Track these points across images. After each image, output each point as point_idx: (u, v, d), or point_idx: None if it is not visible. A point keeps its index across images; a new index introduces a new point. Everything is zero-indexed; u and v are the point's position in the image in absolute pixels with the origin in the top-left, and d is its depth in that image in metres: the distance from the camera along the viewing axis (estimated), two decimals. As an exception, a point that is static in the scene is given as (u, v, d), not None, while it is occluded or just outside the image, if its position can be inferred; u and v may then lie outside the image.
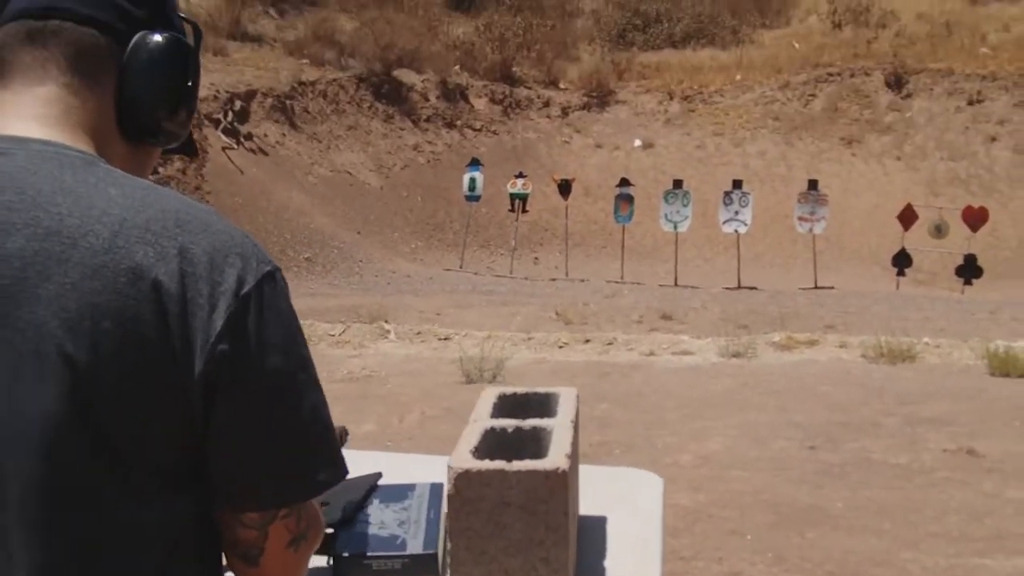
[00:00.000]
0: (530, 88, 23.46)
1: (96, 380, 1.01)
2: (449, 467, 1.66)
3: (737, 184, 17.16)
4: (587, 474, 2.12)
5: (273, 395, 1.08)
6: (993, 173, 19.93)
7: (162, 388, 1.03)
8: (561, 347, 10.19)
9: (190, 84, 1.23)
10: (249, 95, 18.20)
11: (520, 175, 18.31)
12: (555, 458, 1.69)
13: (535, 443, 1.83)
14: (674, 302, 13.05)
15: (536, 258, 18.62)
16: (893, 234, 16.65)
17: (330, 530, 1.78)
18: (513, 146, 21.87)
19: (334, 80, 20.99)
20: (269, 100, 18.71)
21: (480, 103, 22.72)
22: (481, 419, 1.92)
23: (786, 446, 6.60)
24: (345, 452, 1.21)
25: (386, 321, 10.81)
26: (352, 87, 21.19)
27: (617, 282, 15.98)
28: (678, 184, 17.31)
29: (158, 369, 1.02)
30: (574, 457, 1.82)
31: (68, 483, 1.02)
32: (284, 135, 18.55)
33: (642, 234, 18.19)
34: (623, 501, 2.18)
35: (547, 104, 23.12)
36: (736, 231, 16.73)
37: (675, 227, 16.90)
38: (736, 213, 16.77)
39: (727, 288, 15.42)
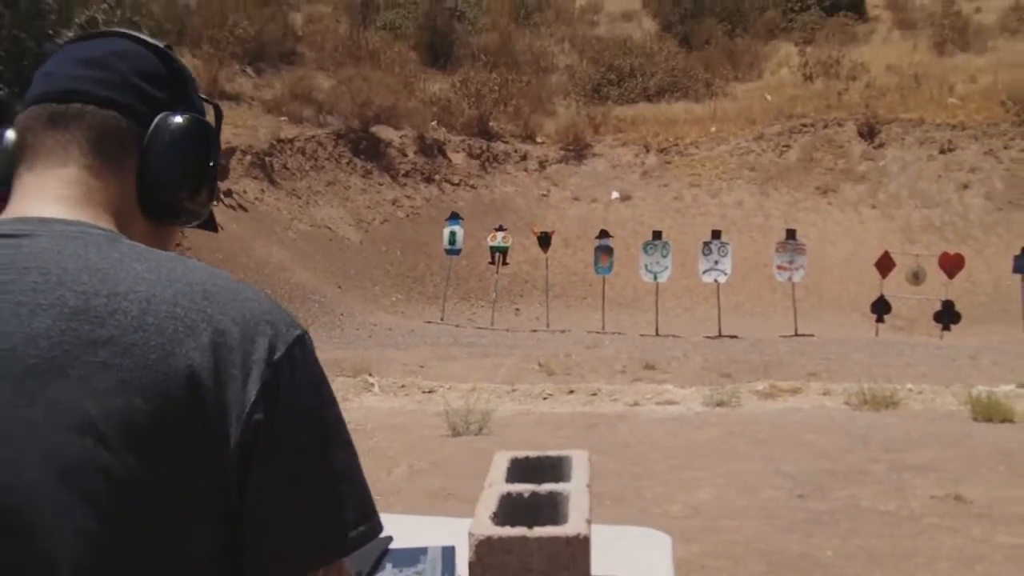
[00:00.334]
0: (507, 142, 23.66)
1: (129, 459, 1.00)
2: (471, 534, 1.67)
3: (716, 234, 17.31)
4: (594, 533, 2.13)
5: (307, 457, 1.08)
6: (967, 220, 20.21)
7: (198, 462, 1.02)
8: (546, 398, 10.20)
9: (211, 165, 1.25)
10: (228, 152, 18.27)
11: (500, 228, 18.41)
12: (576, 524, 1.71)
13: (552, 508, 1.84)
14: (656, 352, 13.10)
15: (517, 309, 18.66)
16: (871, 281, 16.81)
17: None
18: (491, 200, 22.00)
19: (312, 137, 21.12)
20: (248, 157, 18.79)
21: (458, 158, 22.88)
22: (496, 484, 1.93)
23: (775, 495, 6.60)
24: None
25: (370, 374, 10.79)
26: (330, 143, 21.32)
27: (599, 332, 16.02)
28: (657, 235, 17.44)
29: (193, 443, 1.02)
30: (591, 521, 1.84)
31: (109, 560, 1.02)
32: (263, 191, 18.61)
33: (622, 285, 18.28)
34: (634, 561, 2.20)
35: (524, 158, 23.31)
36: (716, 280, 16.85)
37: (655, 277, 17.00)
38: (716, 263, 16.89)
39: (708, 337, 15.49)
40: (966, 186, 20.95)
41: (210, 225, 1.36)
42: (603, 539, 2.21)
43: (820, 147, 22.49)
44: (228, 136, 18.75)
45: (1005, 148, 21.52)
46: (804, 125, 23.05)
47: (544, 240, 18.05)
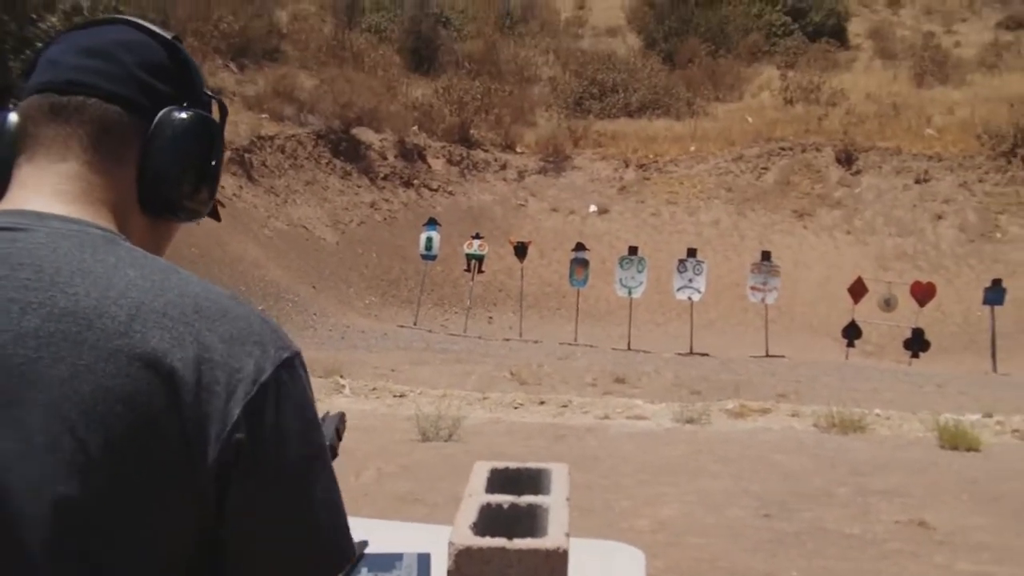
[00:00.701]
0: (487, 151, 23.69)
1: (107, 464, 0.99)
2: (450, 543, 1.67)
3: (691, 252, 17.40)
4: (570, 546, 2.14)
5: (288, 484, 1.07)
6: (939, 250, 20.42)
7: (174, 474, 1.01)
8: (516, 408, 10.20)
9: (214, 163, 1.23)
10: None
11: (477, 236, 18.41)
12: (555, 537, 1.71)
13: (531, 520, 1.85)
14: (628, 366, 13.13)
15: (490, 318, 18.67)
16: (843, 306, 16.94)
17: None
18: (469, 207, 22.01)
19: (293, 136, 21.06)
20: (227, 153, 18.68)
21: (437, 163, 22.89)
22: (476, 494, 1.93)
23: (741, 514, 6.63)
24: None
25: (341, 376, 10.75)
26: (310, 143, 21.27)
27: (571, 344, 16.05)
28: (633, 250, 17.51)
29: (169, 456, 1.01)
30: (570, 535, 1.84)
31: (82, 568, 0.99)
32: (241, 187, 18.53)
33: (596, 298, 18.33)
34: (607, 575, 2.20)
35: (504, 167, 23.35)
36: (690, 298, 16.92)
37: (629, 292, 17.05)
38: (690, 280, 16.98)
39: (680, 354, 15.55)
40: (940, 217, 21.18)
41: (213, 213, 1.34)
42: (576, 552, 2.21)
43: (798, 171, 22.66)
44: (208, 131, 18.65)
45: (980, 181, 21.77)
46: (783, 148, 23.22)
47: (520, 250, 18.07)
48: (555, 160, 23.55)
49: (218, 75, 22.39)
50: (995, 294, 16.46)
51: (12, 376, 0.99)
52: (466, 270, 18.16)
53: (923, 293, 16.56)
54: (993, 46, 33.35)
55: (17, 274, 1.03)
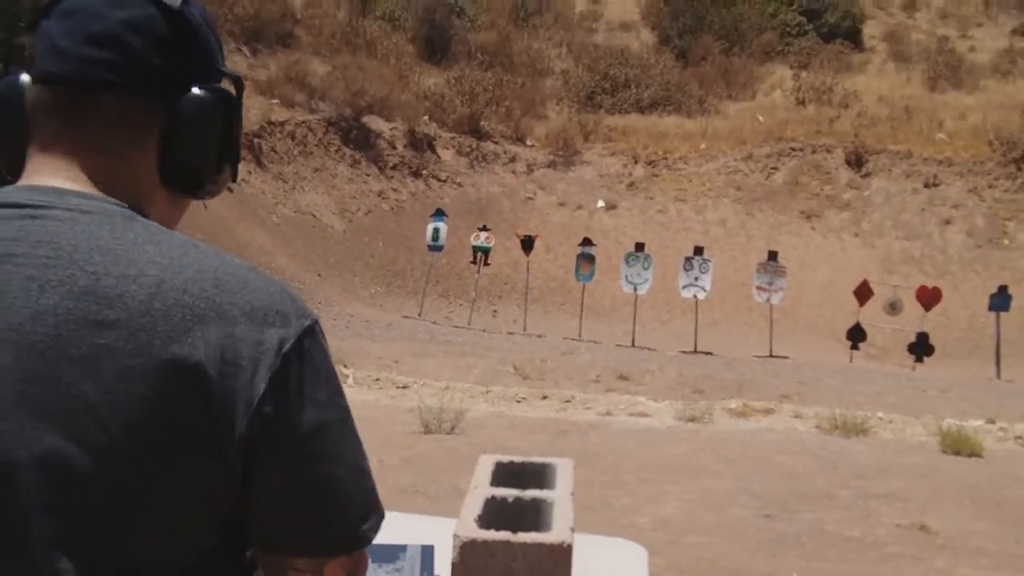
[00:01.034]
0: (497, 143, 23.66)
1: (128, 444, 0.99)
2: (455, 535, 1.68)
3: (698, 250, 17.37)
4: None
5: (316, 450, 1.07)
6: (946, 255, 20.38)
7: (199, 452, 1.02)
8: (519, 402, 10.21)
9: (234, 141, 1.21)
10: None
11: (483, 228, 18.40)
12: (560, 532, 1.71)
13: (535, 514, 1.85)
14: (631, 363, 13.12)
15: (495, 311, 18.66)
16: (848, 308, 16.91)
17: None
18: (477, 199, 22.00)
19: (303, 122, 21.05)
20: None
21: (447, 154, 22.87)
22: (481, 487, 1.94)
23: (742, 514, 6.63)
24: None
25: (345, 366, 10.76)
26: (321, 130, 21.25)
27: (575, 340, 16.04)
28: (640, 247, 17.48)
29: (195, 433, 1.01)
30: (574, 530, 1.84)
31: (101, 547, 1.00)
32: (250, 173, 18.52)
33: (601, 293, 18.32)
34: (611, 571, 2.20)
35: (513, 160, 23.32)
36: (695, 296, 16.90)
37: (635, 289, 17.04)
38: (696, 279, 16.95)
39: (684, 352, 15.54)
40: (948, 222, 21.13)
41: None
42: (581, 547, 2.21)
43: (807, 172, 22.61)
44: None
45: (989, 187, 21.71)
46: (793, 149, 23.16)
47: (527, 243, 18.05)
48: (564, 154, 23.53)
49: (231, 59, 22.34)
50: (1001, 300, 16.42)
51: (32, 354, 1.00)
52: (472, 262, 18.15)
53: (929, 297, 16.53)
54: (1008, 52, 33.23)
55: (36, 251, 1.03)
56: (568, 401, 10.20)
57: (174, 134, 1.16)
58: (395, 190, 21.37)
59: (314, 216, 19.28)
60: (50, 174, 1.12)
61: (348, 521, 1.11)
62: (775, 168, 22.75)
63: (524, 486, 1.98)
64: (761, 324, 16.88)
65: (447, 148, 22.96)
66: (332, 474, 1.09)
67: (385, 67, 24.60)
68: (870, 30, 37.44)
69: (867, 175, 22.38)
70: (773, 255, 17.24)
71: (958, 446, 8.63)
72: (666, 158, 23.31)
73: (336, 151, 21.20)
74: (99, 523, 1.00)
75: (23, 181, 1.14)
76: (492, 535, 1.68)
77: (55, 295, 1.01)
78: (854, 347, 16.25)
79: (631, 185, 22.77)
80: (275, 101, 21.06)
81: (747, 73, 29.49)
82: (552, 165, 23.31)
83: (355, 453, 1.12)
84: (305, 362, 1.06)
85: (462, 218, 19.68)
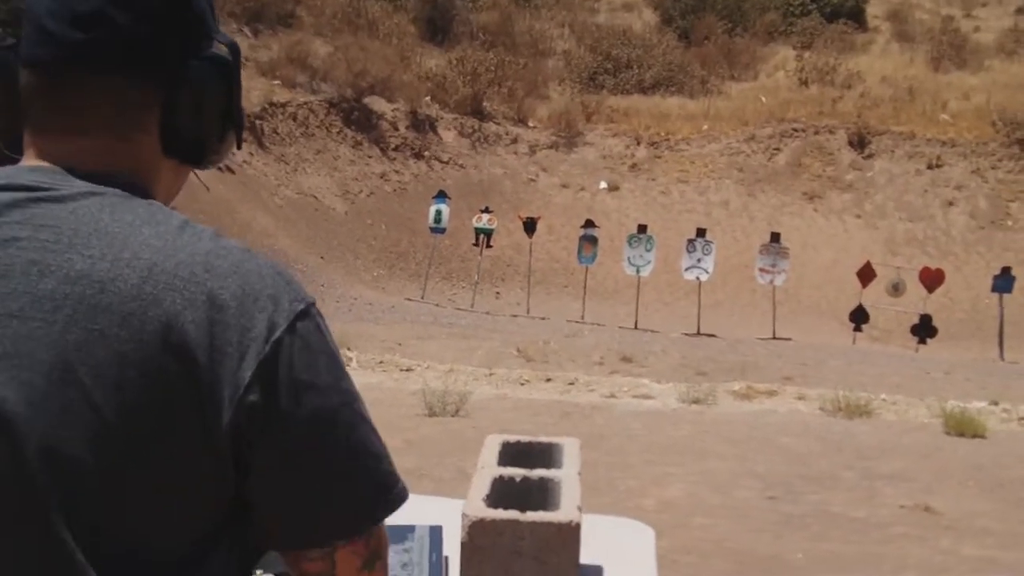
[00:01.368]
0: (499, 124, 23.60)
1: (121, 430, 0.98)
2: (464, 515, 1.67)
3: (701, 232, 17.34)
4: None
5: (314, 436, 1.05)
6: (950, 236, 20.34)
7: (190, 440, 1.00)
8: (523, 384, 10.22)
9: (235, 107, 1.19)
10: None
11: (486, 210, 18.36)
12: (567, 511, 1.71)
13: (542, 493, 1.84)
14: (634, 345, 13.13)
15: (498, 293, 18.66)
16: (851, 290, 16.90)
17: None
18: (479, 180, 21.96)
19: (305, 103, 20.99)
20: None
21: (449, 135, 22.82)
22: (488, 467, 1.93)
23: (747, 495, 6.64)
24: None
25: (348, 349, 10.76)
26: (322, 111, 21.20)
27: (578, 322, 16.04)
28: (642, 229, 17.45)
29: (185, 421, 1.00)
30: (581, 509, 1.83)
31: (97, 533, 0.99)
32: (252, 155, 18.49)
33: (604, 275, 18.30)
34: (618, 551, 2.20)
35: (515, 141, 23.27)
36: (698, 278, 16.89)
37: (638, 271, 17.02)
38: (698, 261, 16.93)
39: (686, 334, 15.54)
40: (951, 203, 21.09)
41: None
42: (588, 527, 2.21)
43: (810, 153, 22.55)
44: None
45: (992, 168, 21.66)
46: (796, 130, 23.10)
47: (529, 225, 18.02)
48: (567, 135, 23.47)
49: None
50: (1004, 282, 16.40)
51: (30, 339, 0.99)
52: (474, 244, 18.14)
53: (932, 279, 16.51)
54: (1013, 32, 33.05)
55: (38, 235, 1.03)
56: (572, 383, 10.20)
57: (174, 107, 1.13)
58: (397, 172, 21.34)
59: (316, 198, 19.26)
60: (52, 155, 1.10)
61: (355, 499, 1.09)
62: (778, 149, 22.70)
63: (531, 466, 1.98)
64: (764, 306, 16.87)
65: (449, 129, 22.91)
66: (334, 461, 1.07)
67: (387, 48, 24.50)
68: (873, 10, 37.24)
69: (870, 156, 22.33)
70: (776, 236, 17.21)
71: (962, 427, 8.64)
72: (668, 139, 23.26)
73: (338, 132, 21.15)
74: (95, 509, 0.99)
75: (25, 162, 1.12)
76: (500, 514, 1.68)
77: (53, 280, 1.00)
78: (857, 329, 16.25)
79: (633, 166, 22.73)
80: (276, 82, 21.00)
81: (750, 53, 29.37)
82: (554, 146, 23.26)
83: (362, 437, 1.10)
84: (298, 348, 1.04)
85: (464, 200, 19.65)
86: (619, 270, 17.61)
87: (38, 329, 0.99)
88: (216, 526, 1.06)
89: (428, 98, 23.39)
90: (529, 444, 2.10)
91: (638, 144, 23.26)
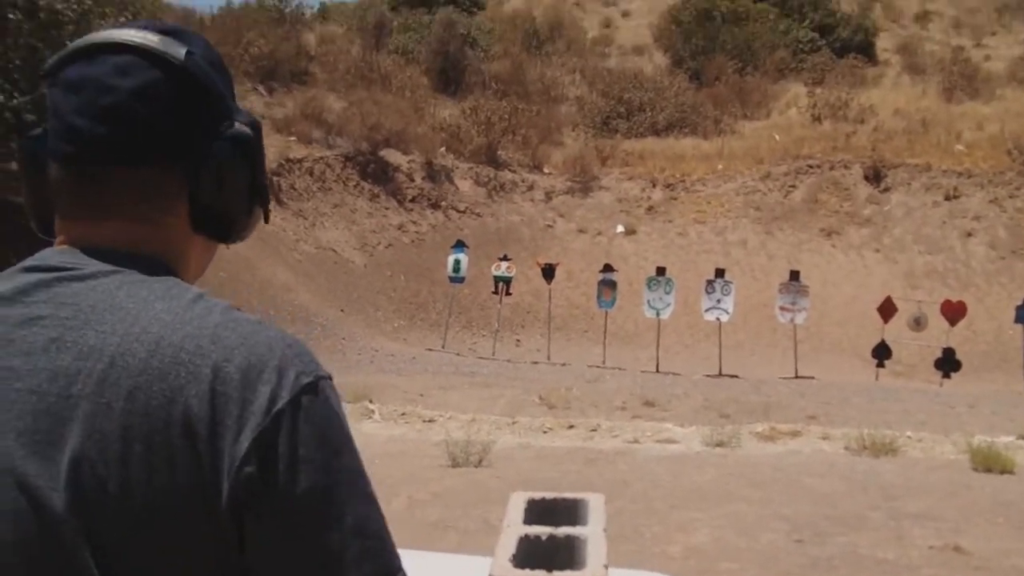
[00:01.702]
0: (514, 171, 23.75)
1: (125, 503, 1.01)
2: (491, 575, 1.70)
3: (719, 273, 17.34)
4: None
5: (312, 513, 1.04)
6: (970, 268, 20.26)
7: (193, 514, 1.02)
8: (546, 432, 10.20)
9: (259, 182, 1.22)
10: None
11: (504, 258, 18.44)
12: (594, 570, 1.73)
13: (568, 551, 1.87)
14: (656, 389, 13.10)
15: (518, 340, 18.67)
16: (872, 325, 16.82)
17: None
18: (497, 228, 22.07)
19: (321, 158, 21.21)
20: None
21: (465, 185, 22.97)
22: (514, 525, 1.96)
23: (774, 539, 6.60)
24: None
25: (370, 401, 10.79)
26: (339, 165, 21.41)
27: (599, 367, 16.02)
28: (661, 271, 17.48)
29: (188, 495, 1.01)
30: (608, 567, 1.86)
31: None
32: (270, 211, 18.58)
33: (624, 319, 18.30)
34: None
35: (531, 188, 23.40)
36: (718, 319, 16.86)
37: (657, 314, 17.02)
38: (718, 301, 16.92)
39: (708, 376, 15.50)
40: (970, 234, 21.02)
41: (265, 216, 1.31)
42: (613, 583, 2.23)
43: (826, 189, 22.57)
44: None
45: (1010, 197, 21.61)
46: (811, 166, 23.14)
47: (548, 272, 18.08)
48: (582, 180, 23.59)
49: (247, 98, 22.60)
50: (1027, 312, 16.31)
51: (48, 414, 1.03)
52: (494, 292, 18.19)
53: (954, 312, 16.43)
54: (1023, 60, 33.14)
55: (59, 313, 1.07)
56: (595, 430, 10.18)
57: (200, 188, 1.16)
58: (415, 222, 21.47)
59: (335, 251, 19.39)
60: (81, 239, 1.14)
61: None
62: (793, 186, 22.73)
63: (556, 523, 2.00)
64: (785, 344, 16.81)
65: (465, 179, 23.07)
66: (331, 540, 1.05)
67: (400, 100, 24.78)
68: (883, 43, 37.43)
69: (886, 190, 22.33)
70: (795, 274, 17.19)
71: (989, 463, 8.56)
72: (684, 180, 23.34)
73: (355, 186, 21.34)
74: (103, 573, 1.02)
75: (56, 245, 1.16)
76: (527, 575, 1.71)
77: (69, 355, 1.04)
78: (880, 365, 16.15)
79: (650, 209, 22.80)
80: (292, 138, 21.24)
81: (761, 92, 29.52)
82: (570, 192, 23.37)
83: (361, 516, 1.07)
84: (301, 421, 1.03)
85: (482, 248, 19.74)
86: (639, 313, 17.60)
87: (55, 404, 1.02)
88: None
89: (443, 148, 23.58)
90: (554, 501, 2.13)
91: (654, 186, 23.35)
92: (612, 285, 17.56)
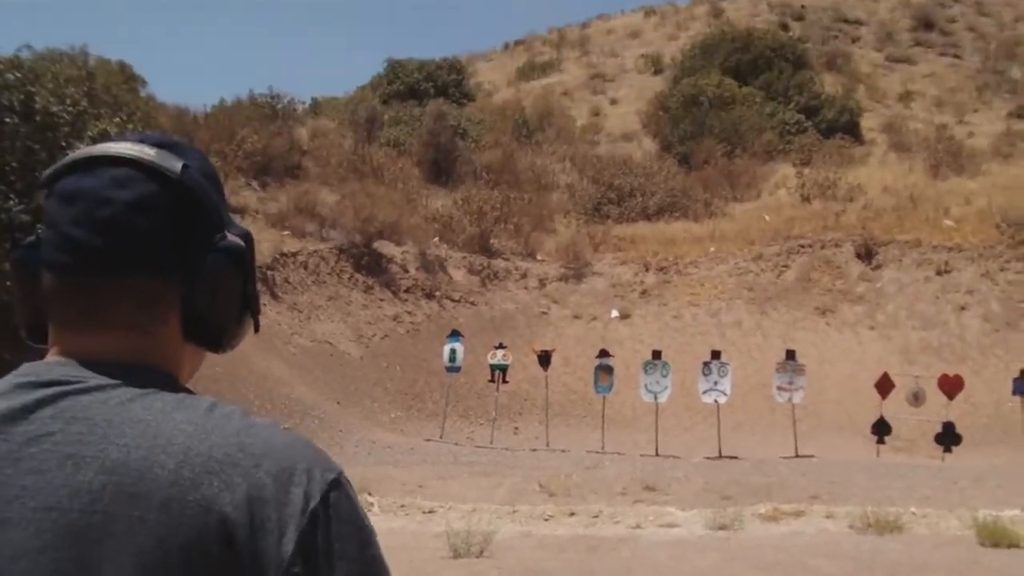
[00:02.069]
0: (507, 259, 23.88)
1: None
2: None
3: (715, 354, 17.35)
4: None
5: None
6: (965, 341, 20.27)
7: None
8: (547, 520, 10.10)
9: (250, 292, 1.24)
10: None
11: (500, 346, 18.46)
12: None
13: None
14: (657, 472, 12.99)
15: (516, 428, 18.57)
16: (870, 402, 16.78)
17: None
18: (491, 316, 22.11)
19: (315, 251, 21.33)
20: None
21: (459, 274, 23.07)
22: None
23: (780, 624, 6.50)
24: None
25: (369, 493, 10.69)
26: (333, 258, 21.51)
27: (599, 452, 15.92)
28: (657, 355, 17.48)
29: None
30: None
31: None
32: (265, 305, 18.68)
33: (621, 404, 18.23)
34: None
35: (524, 275, 23.50)
36: (716, 401, 16.82)
37: (655, 397, 16.97)
38: (715, 383, 16.90)
39: (708, 458, 15.40)
40: (963, 307, 21.09)
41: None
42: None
43: (818, 267, 22.70)
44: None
45: (1001, 270, 21.73)
46: (802, 246, 23.30)
47: (544, 358, 18.08)
48: (575, 266, 23.71)
49: (240, 194, 22.81)
50: (1025, 383, 16.30)
51: (70, 534, 1.03)
52: (490, 380, 18.16)
53: (951, 386, 16.41)
54: (1007, 135, 33.65)
55: (71, 428, 1.07)
56: (596, 516, 10.08)
57: (193, 298, 1.18)
58: (410, 313, 21.51)
59: (331, 344, 19.38)
60: (77, 349, 1.15)
61: None
62: (786, 266, 22.86)
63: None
64: (784, 424, 16.74)
65: (459, 268, 23.18)
66: None
67: (393, 192, 25.02)
68: (868, 123, 38.03)
69: (878, 267, 22.45)
70: (791, 354, 17.21)
71: (996, 538, 8.47)
72: (676, 263, 23.47)
73: (349, 278, 21.42)
74: None
75: (51, 356, 1.17)
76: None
77: (89, 471, 1.04)
78: (880, 441, 16.08)
79: (644, 293, 22.88)
80: (286, 232, 21.38)
81: (750, 174, 29.86)
82: (564, 278, 23.47)
83: None
84: (332, 518, 1.07)
85: (478, 337, 19.76)
86: (636, 398, 17.55)
87: (78, 520, 1.03)
88: None
89: (436, 239, 23.74)
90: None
91: (646, 270, 23.46)
92: (609, 370, 17.54)
